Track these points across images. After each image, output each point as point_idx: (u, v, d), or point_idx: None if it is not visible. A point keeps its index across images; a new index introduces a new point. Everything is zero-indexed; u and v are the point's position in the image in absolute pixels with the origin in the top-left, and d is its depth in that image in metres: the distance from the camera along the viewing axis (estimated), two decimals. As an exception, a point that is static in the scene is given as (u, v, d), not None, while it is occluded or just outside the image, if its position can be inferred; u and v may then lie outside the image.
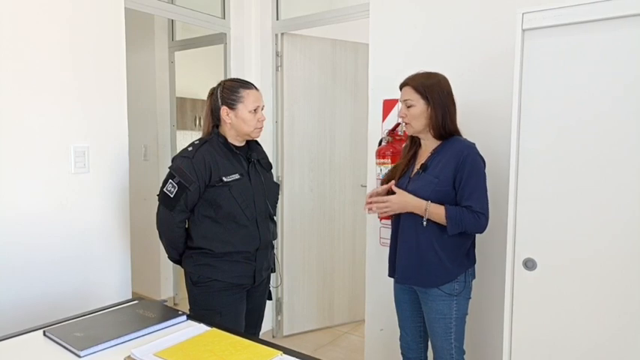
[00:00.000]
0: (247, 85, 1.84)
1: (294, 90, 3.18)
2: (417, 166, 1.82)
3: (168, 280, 3.94)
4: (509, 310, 1.69)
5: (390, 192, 1.81)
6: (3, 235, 1.84)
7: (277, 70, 3.12)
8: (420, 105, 1.76)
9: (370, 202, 1.82)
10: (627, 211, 1.47)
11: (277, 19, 3.07)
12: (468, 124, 2.01)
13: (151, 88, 3.79)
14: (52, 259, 1.98)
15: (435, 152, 1.78)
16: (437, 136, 1.78)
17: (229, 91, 1.81)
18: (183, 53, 3.87)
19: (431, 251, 1.74)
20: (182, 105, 4.66)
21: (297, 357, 1.20)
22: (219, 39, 3.11)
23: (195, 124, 5.01)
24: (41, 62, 1.92)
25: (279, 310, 3.28)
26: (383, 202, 1.78)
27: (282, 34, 3.09)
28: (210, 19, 2.94)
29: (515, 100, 1.63)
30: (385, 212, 1.80)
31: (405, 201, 1.75)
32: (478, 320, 2.22)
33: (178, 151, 3.73)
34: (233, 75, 3.02)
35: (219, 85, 1.87)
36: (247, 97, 1.81)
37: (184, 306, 1.91)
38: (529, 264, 1.65)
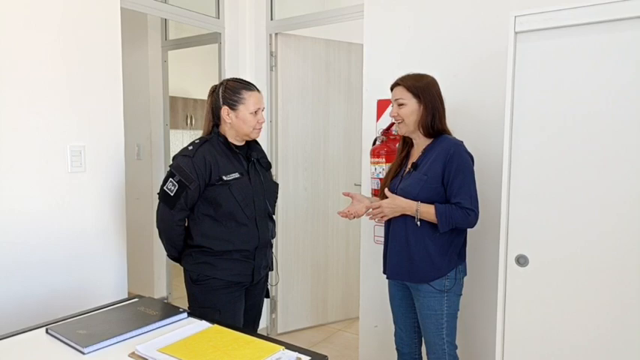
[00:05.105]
0: (249, 86, 1.86)
1: (289, 90, 3.21)
2: (409, 165, 1.87)
3: (162, 280, 3.93)
4: (502, 306, 1.74)
5: (384, 197, 1.86)
6: (0, 234, 1.84)
7: (271, 69, 3.14)
8: (411, 104, 1.80)
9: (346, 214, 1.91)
10: (618, 208, 1.52)
11: (271, 19, 3.09)
12: (459, 124, 2.06)
13: (144, 88, 3.78)
14: (48, 259, 1.99)
15: (426, 151, 1.83)
16: (426, 135, 1.83)
17: (231, 91, 1.83)
18: (175, 52, 3.87)
19: (421, 248, 1.78)
20: (174, 104, 4.66)
21: (298, 352, 1.23)
22: (213, 38, 3.12)
23: (187, 123, 5.01)
24: (38, 62, 1.92)
25: (273, 308, 3.31)
26: (376, 207, 1.83)
27: (277, 34, 3.11)
28: (205, 19, 2.95)
29: (507, 101, 1.67)
30: (379, 217, 1.85)
31: (395, 204, 1.80)
32: (471, 316, 2.27)
33: (171, 150, 3.77)
34: (227, 74, 3.03)
35: (221, 84, 1.88)
36: (249, 98, 1.83)
37: (178, 305, 1.92)
38: (521, 260, 1.70)
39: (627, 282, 1.52)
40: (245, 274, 1.86)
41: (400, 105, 1.82)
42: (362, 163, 2.61)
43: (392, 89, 1.87)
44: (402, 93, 1.82)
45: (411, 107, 1.81)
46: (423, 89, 1.80)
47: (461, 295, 1.87)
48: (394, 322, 2.03)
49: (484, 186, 2.04)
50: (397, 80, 1.85)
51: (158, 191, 1.85)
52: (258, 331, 1.93)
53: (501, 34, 2.08)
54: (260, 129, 1.88)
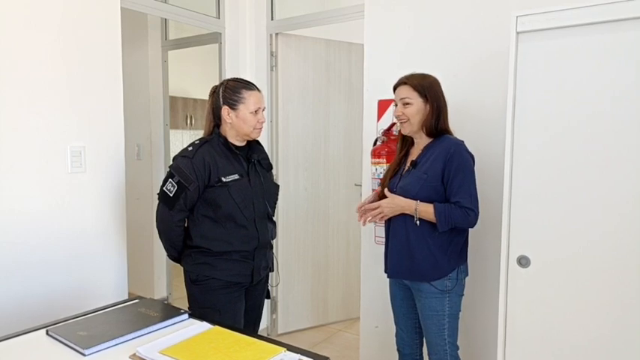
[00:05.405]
0: (250, 86, 1.85)
1: (289, 90, 3.20)
2: (408, 163, 1.86)
3: (162, 280, 3.93)
4: (504, 306, 1.73)
5: (383, 196, 1.85)
6: (0, 235, 1.84)
7: (272, 69, 3.13)
8: (417, 103, 1.80)
9: (364, 212, 1.88)
10: (620, 208, 1.51)
11: (272, 19, 3.09)
12: (460, 124, 2.05)
13: (144, 88, 3.78)
14: (48, 259, 1.98)
15: (426, 149, 1.82)
16: (428, 135, 1.83)
17: (231, 91, 1.82)
18: (175, 52, 3.87)
19: (422, 246, 1.78)
20: (174, 104, 4.65)
21: (300, 353, 1.23)
22: (213, 38, 3.11)
23: (187, 123, 5.01)
24: (38, 62, 1.91)
25: (273, 308, 3.30)
26: (374, 208, 1.82)
27: (277, 34, 3.10)
28: (205, 19, 2.95)
29: (509, 101, 1.67)
30: (379, 217, 1.84)
31: (395, 203, 1.79)
32: (473, 316, 2.26)
33: (171, 150, 3.77)
34: (228, 74, 3.02)
35: (221, 84, 1.87)
36: (249, 98, 1.82)
37: (178, 306, 1.92)
38: (523, 261, 1.69)
39: (629, 282, 1.52)
40: (244, 275, 1.85)
41: (406, 104, 1.81)
42: (362, 164, 2.61)
43: (395, 88, 1.86)
44: (409, 92, 1.81)
45: (417, 106, 1.80)
46: (428, 88, 1.79)
47: (462, 295, 1.87)
48: (395, 323, 2.02)
49: (485, 186, 2.04)
50: (402, 79, 1.84)
51: (158, 192, 1.84)
52: (259, 332, 1.93)
53: (502, 34, 2.07)
54: (260, 129, 1.88)
